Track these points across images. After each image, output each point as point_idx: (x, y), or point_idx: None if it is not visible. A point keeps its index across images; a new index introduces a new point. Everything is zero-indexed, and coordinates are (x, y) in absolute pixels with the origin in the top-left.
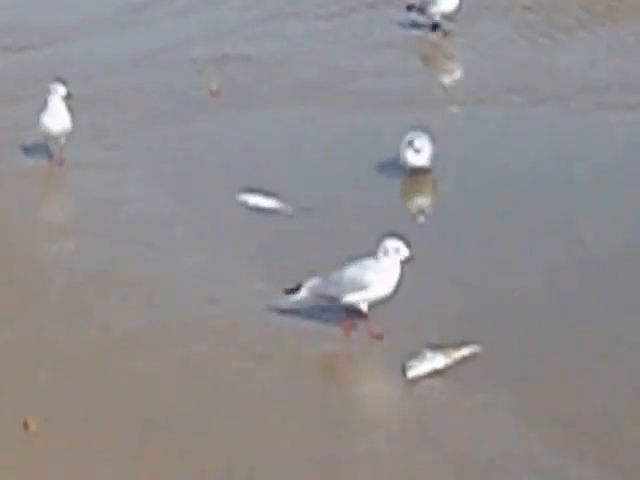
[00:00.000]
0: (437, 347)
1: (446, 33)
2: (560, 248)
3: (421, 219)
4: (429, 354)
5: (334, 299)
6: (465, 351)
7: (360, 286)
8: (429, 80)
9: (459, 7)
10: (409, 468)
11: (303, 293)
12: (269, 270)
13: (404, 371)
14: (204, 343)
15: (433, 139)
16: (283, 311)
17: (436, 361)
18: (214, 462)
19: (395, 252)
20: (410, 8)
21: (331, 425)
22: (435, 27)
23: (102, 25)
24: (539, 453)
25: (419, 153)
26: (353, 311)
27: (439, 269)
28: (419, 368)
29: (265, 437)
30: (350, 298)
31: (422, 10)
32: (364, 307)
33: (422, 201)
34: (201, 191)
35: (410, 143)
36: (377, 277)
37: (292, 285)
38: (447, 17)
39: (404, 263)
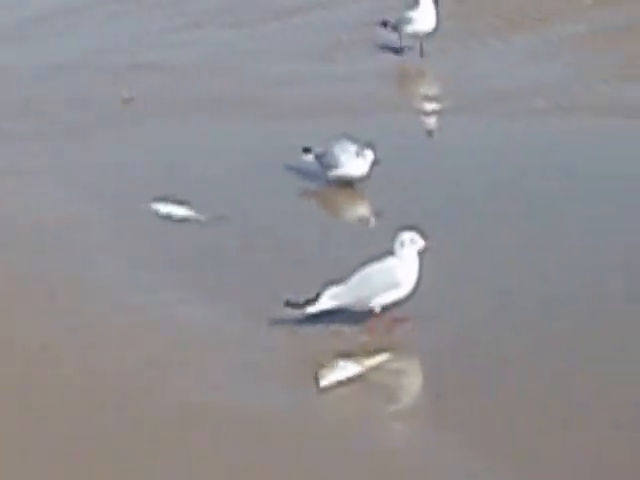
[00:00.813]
0: (349, 356)
1: (423, 54)
2: (458, 252)
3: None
4: (341, 363)
5: (363, 303)
6: (377, 359)
7: (391, 285)
8: (345, 88)
9: (435, 28)
10: (320, 475)
11: (324, 302)
12: (180, 278)
13: (316, 380)
14: (108, 351)
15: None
16: (190, 319)
17: (348, 370)
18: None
19: (411, 243)
20: (385, 24)
21: (242, 434)
22: (398, 51)
23: (16, 34)
24: (455, 460)
25: (363, 163)
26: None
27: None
28: (331, 377)
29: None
30: (381, 299)
31: (395, 28)
32: (379, 309)
33: (342, 210)
34: (113, 199)
35: (358, 153)
36: (405, 274)
37: (308, 297)
38: (422, 37)
39: (421, 253)
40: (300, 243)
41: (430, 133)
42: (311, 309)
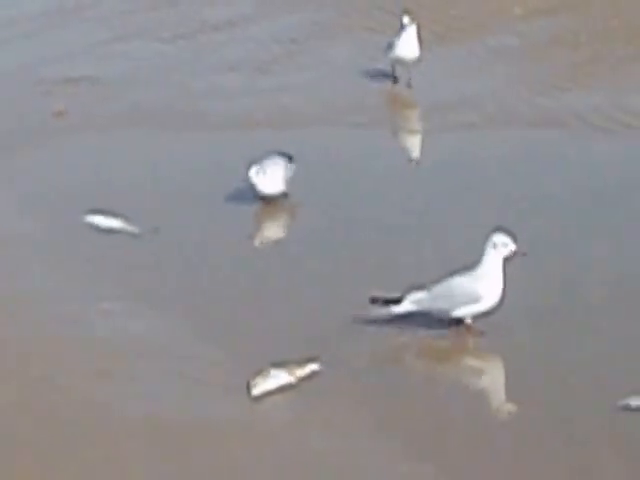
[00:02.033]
0: (281, 364)
1: (396, 80)
2: (389, 271)
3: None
4: (273, 371)
5: (443, 313)
6: (309, 368)
7: (473, 300)
8: (274, 101)
9: (419, 57)
10: None
11: (406, 306)
12: (116, 289)
13: (249, 389)
14: (47, 363)
15: (290, 162)
16: (127, 329)
17: (280, 378)
18: None
19: (503, 246)
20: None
21: (173, 443)
22: (395, 79)
23: None
24: (390, 467)
25: (267, 180)
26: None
27: (284, 288)
28: (264, 385)
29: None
30: (460, 312)
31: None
32: (469, 320)
33: (271, 226)
34: (47, 212)
35: (258, 171)
36: (488, 288)
37: (392, 296)
38: (406, 64)
39: (512, 257)
40: (231, 256)
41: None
42: (396, 309)
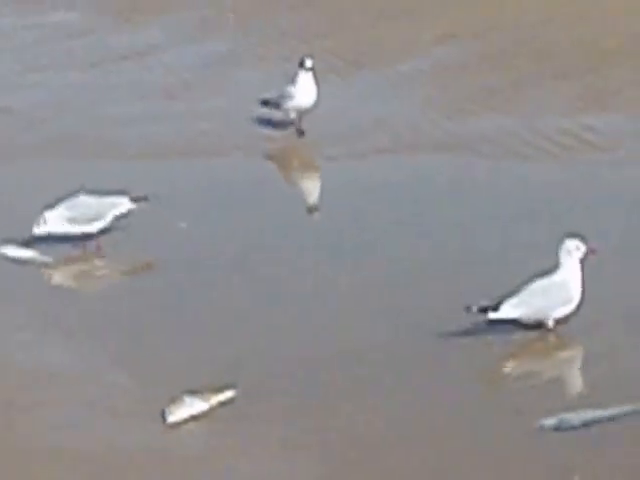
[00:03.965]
0: (196, 392)
1: (301, 133)
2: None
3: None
4: (188, 399)
5: (542, 316)
6: (224, 395)
7: (567, 300)
8: (188, 127)
9: (316, 103)
10: None
11: (504, 312)
12: (30, 319)
13: (164, 417)
14: None
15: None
16: (42, 358)
17: (195, 406)
18: None
19: (576, 250)
20: (265, 103)
21: (90, 472)
22: (301, 133)
23: None
24: None
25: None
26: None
27: (198, 315)
28: (179, 413)
29: None
30: (555, 314)
31: (278, 105)
32: (552, 323)
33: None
34: None
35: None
36: (576, 288)
37: (487, 303)
38: (304, 112)
39: (586, 257)
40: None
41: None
42: (493, 315)
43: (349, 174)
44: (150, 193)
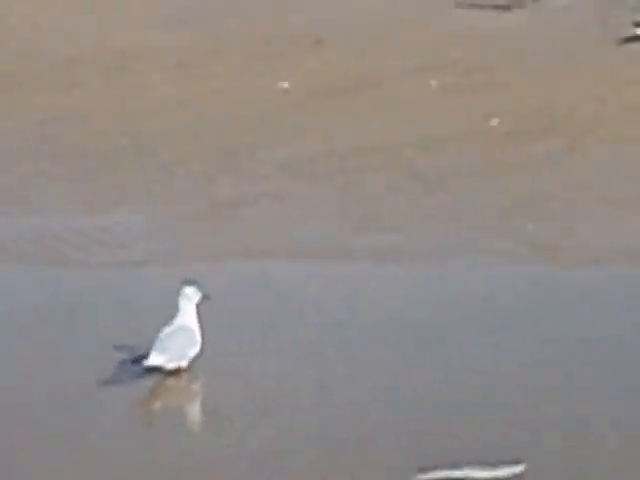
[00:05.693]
0: None
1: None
2: None
3: None
4: None
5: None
6: None
7: (194, 344)
8: None
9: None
10: None
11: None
12: None
13: None
14: None
15: None
16: None
17: None
18: None
19: (195, 295)
20: None
21: None
22: None
23: None
24: None
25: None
26: None
27: None
28: None
29: None
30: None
31: None
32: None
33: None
34: None
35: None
36: (198, 335)
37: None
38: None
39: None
40: None
41: None
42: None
43: None
44: None
